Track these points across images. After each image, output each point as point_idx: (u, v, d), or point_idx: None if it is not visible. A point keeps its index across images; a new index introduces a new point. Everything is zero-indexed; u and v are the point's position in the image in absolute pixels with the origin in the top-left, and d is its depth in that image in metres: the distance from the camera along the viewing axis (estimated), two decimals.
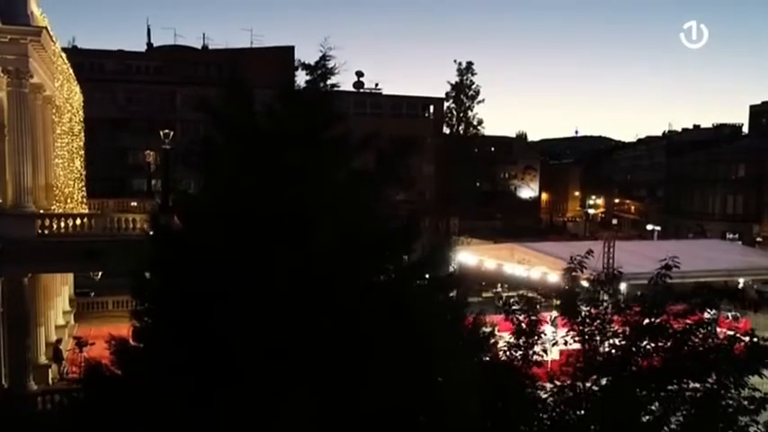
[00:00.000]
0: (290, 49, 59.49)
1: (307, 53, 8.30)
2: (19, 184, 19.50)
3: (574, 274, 10.86)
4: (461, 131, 61.11)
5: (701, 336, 9.36)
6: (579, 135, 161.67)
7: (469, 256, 33.86)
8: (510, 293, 36.50)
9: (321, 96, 7.69)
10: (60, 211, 23.03)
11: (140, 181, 55.77)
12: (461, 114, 60.73)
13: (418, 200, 47.08)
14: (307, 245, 6.95)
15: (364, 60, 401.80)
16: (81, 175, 29.43)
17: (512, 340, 10.25)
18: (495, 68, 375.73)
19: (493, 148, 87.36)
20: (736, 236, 59.91)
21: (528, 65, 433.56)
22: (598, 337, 9.96)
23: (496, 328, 10.25)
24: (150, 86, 60.21)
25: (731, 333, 10.04)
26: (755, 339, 10.18)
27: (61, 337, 25.42)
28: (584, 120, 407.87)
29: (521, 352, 10.03)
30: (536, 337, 10.22)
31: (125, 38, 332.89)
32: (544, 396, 9.66)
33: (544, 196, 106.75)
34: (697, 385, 9.14)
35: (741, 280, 27.48)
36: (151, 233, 8.68)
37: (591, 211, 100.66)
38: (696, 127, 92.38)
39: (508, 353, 10.04)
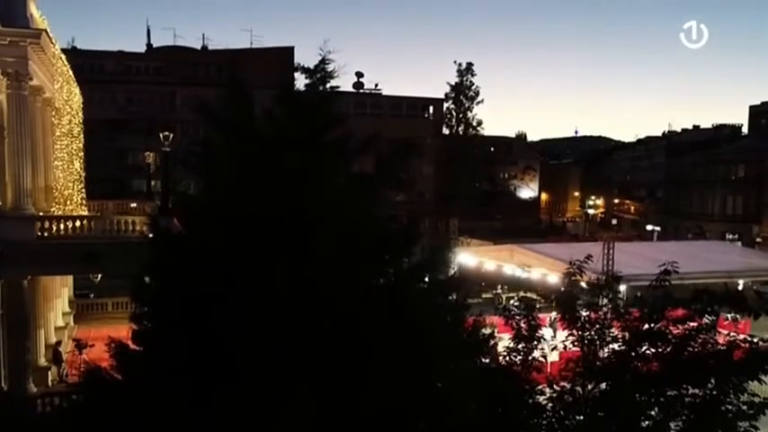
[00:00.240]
0: (290, 50, 59.56)
1: (306, 53, 8.31)
2: (18, 186, 19.49)
3: (573, 278, 10.84)
4: (461, 132, 61.14)
5: (700, 341, 9.35)
6: (579, 135, 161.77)
7: (469, 258, 33.86)
8: (510, 294, 36.49)
9: (321, 99, 7.70)
10: (60, 213, 23.03)
11: (140, 182, 55.77)
12: (461, 115, 60.77)
13: (418, 200, 47.18)
14: (306, 248, 6.96)
15: (364, 61, 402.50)
16: (80, 176, 29.42)
17: (511, 345, 10.24)
18: (494, 69, 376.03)
19: (492, 149, 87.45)
20: (736, 236, 59.86)
21: (528, 65, 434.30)
22: (597, 342, 9.96)
23: (496, 330, 10.26)
24: (150, 87, 60.24)
25: (731, 335, 10.02)
26: (755, 339, 10.19)
27: (61, 339, 25.38)
28: (583, 120, 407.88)
29: (520, 357, 10.02)
30: (536, 342, 10.21)
31: (125, 38, 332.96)
32: (543, 401, 9.65)
33: (544, 196, 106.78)
34: (697, 391, 9.13)
35: (741, 281, 27.45)
36: (151, 236, 8.68)
37: (590, 211, 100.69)
38: (696, 127, 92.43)
39: (508, 358, 10.03)
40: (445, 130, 63.19)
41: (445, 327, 8.08)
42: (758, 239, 61.17)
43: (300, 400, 6.62)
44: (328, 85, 7.66)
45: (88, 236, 20.11)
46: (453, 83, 60.51)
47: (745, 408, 9.01)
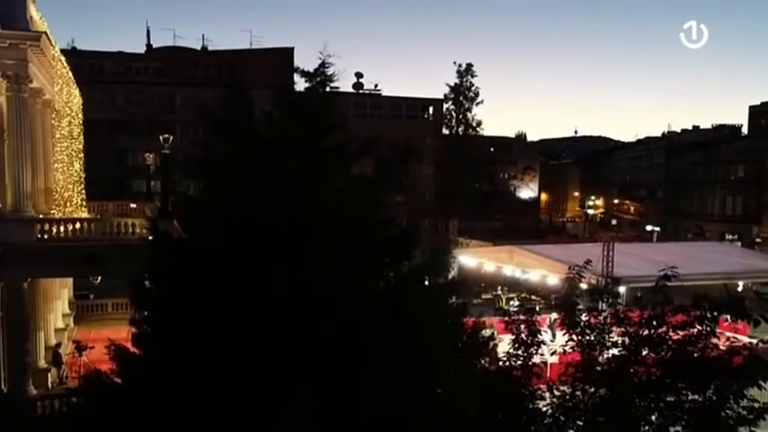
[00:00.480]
0: (290, 51, 59.68)
1: (306, 54, 8.29)
2: (18, 188, 19.50)
3: (573, 283, 10.84)
4: (461, 132, 61.16)
5: (700, 347, 9.34)
6: (579, 135, 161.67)
7: (469, 259, 33.91)
8: (510, 295, 36.52)
9: (321, 102, 7.69)
10: (60, 215, 23.04)
11: (140, 182, 55.89)
12: (461, 116, 60.77)
13: (418, 201, 47.10)
14: (306, 251, 6.96)
15: (364, 61, 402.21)
16: (80, 178, 29.44)
17: (511, 350, 10.24)
18: (494, 69, 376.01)
19: (492, 149, 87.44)
20: (736, 237, 59.93)
21: (528, 65, 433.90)
22: (597, 347, 9.95)
23: (495, 332, 10.25)
24: (150, 88, 60.26)
25: (731, 338, 10.01)
26: (755, 341, 10.17)
27: (60, 341, 25.38)
28: (583, 120, 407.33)
29: (520, 362, 10.01)
30: (536, 347, 10.21)
31: (124, 39, 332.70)
32: (543, 406, 9.64)
33: (543, 196, 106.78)
34: (696, 396, 9.13)
35: (740, 283, 27.48)
36: (150, 238, 8.68)
37: (590, 211, 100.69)
38: (695, 127, 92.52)
39: (507, 363, 10.02)
40: (445, 131, 63.21)
41: (445, 330, 8.08)
42: (758, 240, 61.18)
43: (300, 403, 6.62)
44: (328, 89, 7.66)
45: (88, 238, 20.15)
46: (453, 84, 60.59)
47: (744, 413, 9.00)
